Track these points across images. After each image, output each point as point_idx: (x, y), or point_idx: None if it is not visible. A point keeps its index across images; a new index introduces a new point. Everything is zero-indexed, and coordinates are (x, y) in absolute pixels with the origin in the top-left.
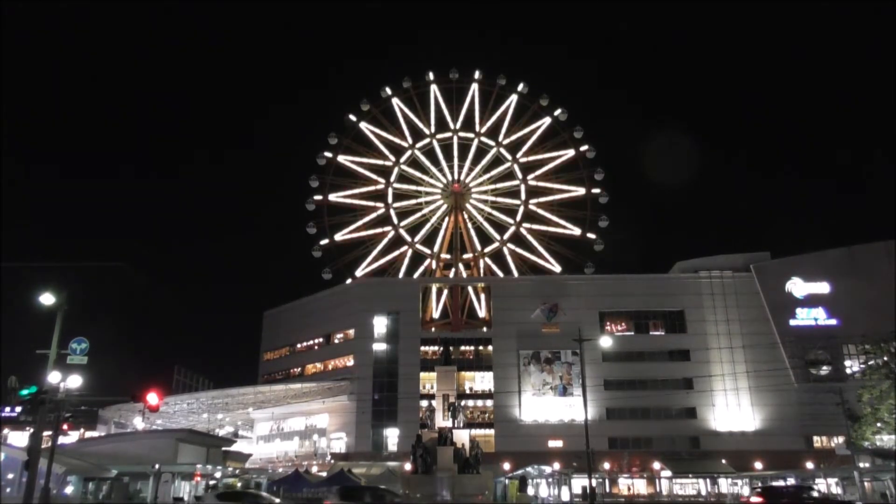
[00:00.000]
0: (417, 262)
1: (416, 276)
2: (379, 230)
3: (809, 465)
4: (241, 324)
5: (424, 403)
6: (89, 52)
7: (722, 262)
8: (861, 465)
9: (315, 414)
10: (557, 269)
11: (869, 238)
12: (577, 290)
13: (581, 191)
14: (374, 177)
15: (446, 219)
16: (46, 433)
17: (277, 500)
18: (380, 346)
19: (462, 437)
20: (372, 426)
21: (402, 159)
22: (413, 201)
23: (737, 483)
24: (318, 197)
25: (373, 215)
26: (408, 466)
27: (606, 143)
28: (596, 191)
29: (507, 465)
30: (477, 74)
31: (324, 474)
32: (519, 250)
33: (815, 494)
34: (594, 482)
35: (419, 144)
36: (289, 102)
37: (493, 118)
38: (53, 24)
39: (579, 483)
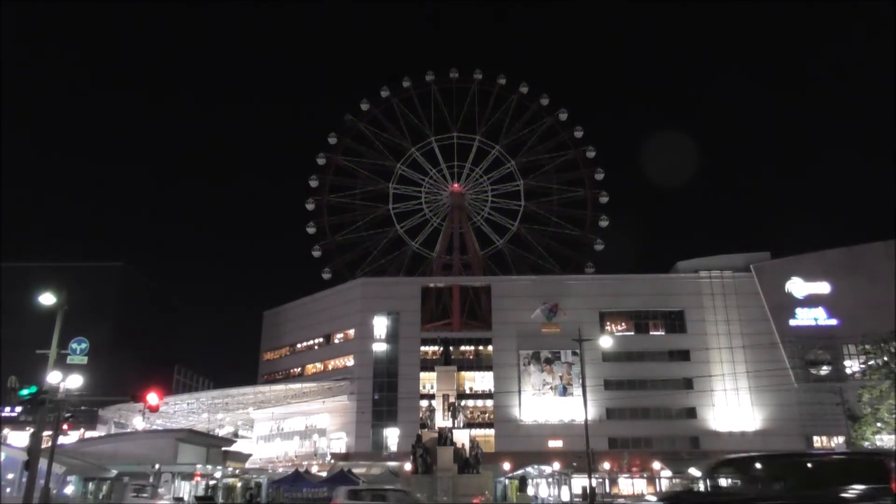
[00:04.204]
0: (417, 262)
1: (416, 276)
2: (379, 230)
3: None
4: (241, 324)
5: (424, 403)
6: (83, 53)
7: (722, 262)
8: None
9: (315, 414)
10: (557, 269)
11: (869, 238)
12: (577, 290)
13: (581, 191)
14: (374, 177)
15: (446, 219)
16: (46, 433)
17: None
18: (380, 346)
19: (462, 437)
20: (372, 426)
21: (403, 160)
22: (413, 202)
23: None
24: (318, 197)
25: (373, 215)
26: (408, 466)
27: (606, 144)
28: (596, 191)
29: (507, 465)
30: (477, 74)
31: (324, 474)
32: (519, 250)
33: None
34: (594, 482)
35: (419, 145)
36: (289, 102)
37: (493, 118)
38: (41, 22)
39: (579, 483)
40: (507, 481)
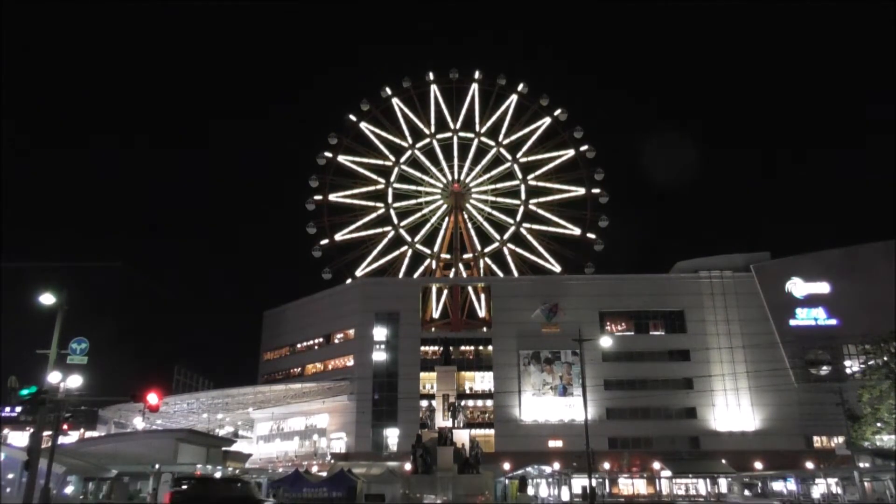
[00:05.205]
0: (417, 262)
1: (416, 276)
2: (379, 230)
3: (809, 465)
4: (241, 324)
5: (424, 403)
6: (83, 54)
7: (722, 262)
8: (861, 465)
9: (315, 414)
10: (557, 269)
11: (869, 238)
12: (577, 290)
13: (581, 191)
14: (374, 177)
15: (446, 219)
16: (46, 433)
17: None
18: (380, 347)
19: (462, 437)
20: (372, 426)
21: (402, 159)
22: (413, 201)
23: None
24: (318, 197)
25: (373, 215)
26: (408, 466)
27: (606, 143)
28: (596, 191)
29: (507, 465)
30: (477, 74)
31: (324, 474)
32: (519, 250)
33: None
34: (594, 482)
35: (419, 144)
36: (289, 102)
37: (493, 118)
38: (39, 17)
39: (579, 483)
40: (507, 481)
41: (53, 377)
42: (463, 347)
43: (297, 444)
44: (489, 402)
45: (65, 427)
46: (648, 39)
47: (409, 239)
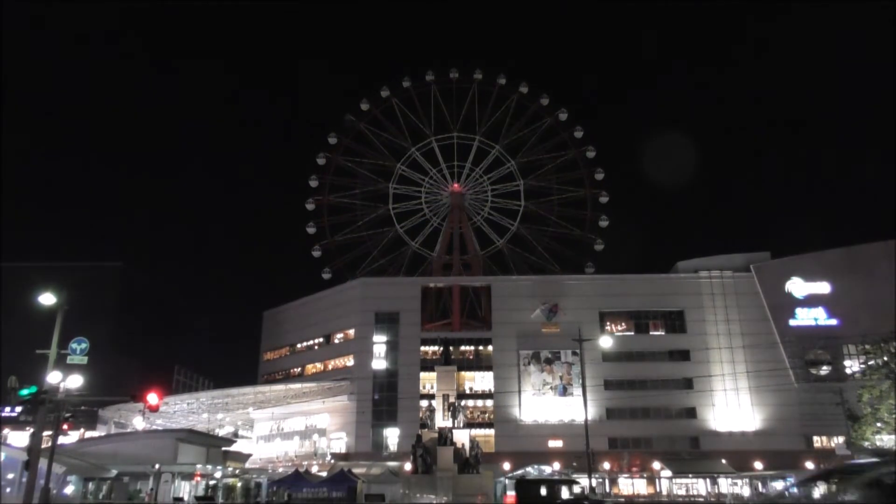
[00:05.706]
0: (417, 262)
1: (416, 276)
2: (379, 230)
3: (809, 465)
4: (241, 324)
5: (424, 403)
6: (88, 51)
7: (722, 262)
8: None
9: (315, 414)
10: (557, 269)
11: (869, 238)
12: (577, 290)
13: (581, 191)
14: (374, 177)
15: (446, 219)
16: (46, 433)
17: None
18: (380, 347)
19: (462, 437)
20: (372, 426)
21: (403, 160)
22: (413, 202)
23: (737, 483)
24: (318, 197)
25: (373, 215)
26: (408, 466)
27: (606, 144)
28: (596, 191)
29: (507, 465)
30: (477, 74)
31: (324, 474)
32: (519, 250)
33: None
34: (594, 482)
35: (419, 145)
36: (289, 101)
37: (494, 118)
38: (42, 22)
39: None
40: (506, 481)
41: (53, 377)
42: (463, 347)
43: (297, 444)
44: (489, 402)
45: (65, 427)
46: (649, 39)
47: (409, 239)
